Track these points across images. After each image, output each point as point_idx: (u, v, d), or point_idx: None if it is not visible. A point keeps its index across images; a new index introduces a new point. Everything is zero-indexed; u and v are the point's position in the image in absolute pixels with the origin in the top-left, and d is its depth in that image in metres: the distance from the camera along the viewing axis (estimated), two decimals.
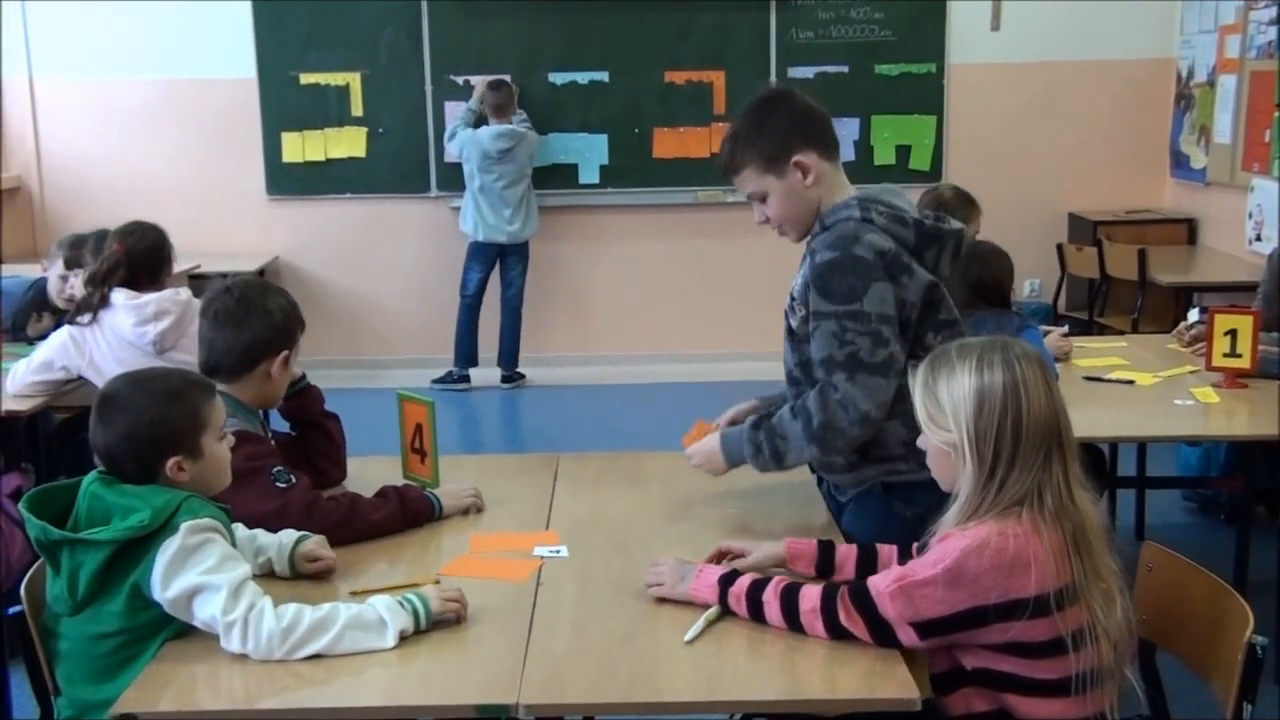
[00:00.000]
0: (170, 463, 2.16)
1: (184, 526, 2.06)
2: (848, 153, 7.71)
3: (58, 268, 4.74)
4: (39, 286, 4.92)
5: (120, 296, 4.03)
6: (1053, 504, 1.94)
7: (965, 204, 4.28)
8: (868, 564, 2.25)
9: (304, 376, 2.88)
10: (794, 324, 2.53)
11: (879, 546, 2.28)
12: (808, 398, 2.43)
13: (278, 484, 2.49)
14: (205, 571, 2.05)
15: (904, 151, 7.74)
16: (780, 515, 2.63)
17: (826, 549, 2.27)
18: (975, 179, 7.12)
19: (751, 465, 2.54)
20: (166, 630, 2.09)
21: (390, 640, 2.06)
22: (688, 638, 2.05)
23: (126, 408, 2.18)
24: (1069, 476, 1.96)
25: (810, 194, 2.49)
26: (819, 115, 2.54)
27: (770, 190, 2.50)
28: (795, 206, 2.51)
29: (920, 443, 2.10)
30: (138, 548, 2.06)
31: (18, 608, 2.23)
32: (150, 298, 4.05)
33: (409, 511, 2.61)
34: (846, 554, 2.27)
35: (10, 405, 4.03)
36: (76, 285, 4.38)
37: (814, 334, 2.40)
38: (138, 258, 4.10)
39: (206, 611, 2.04)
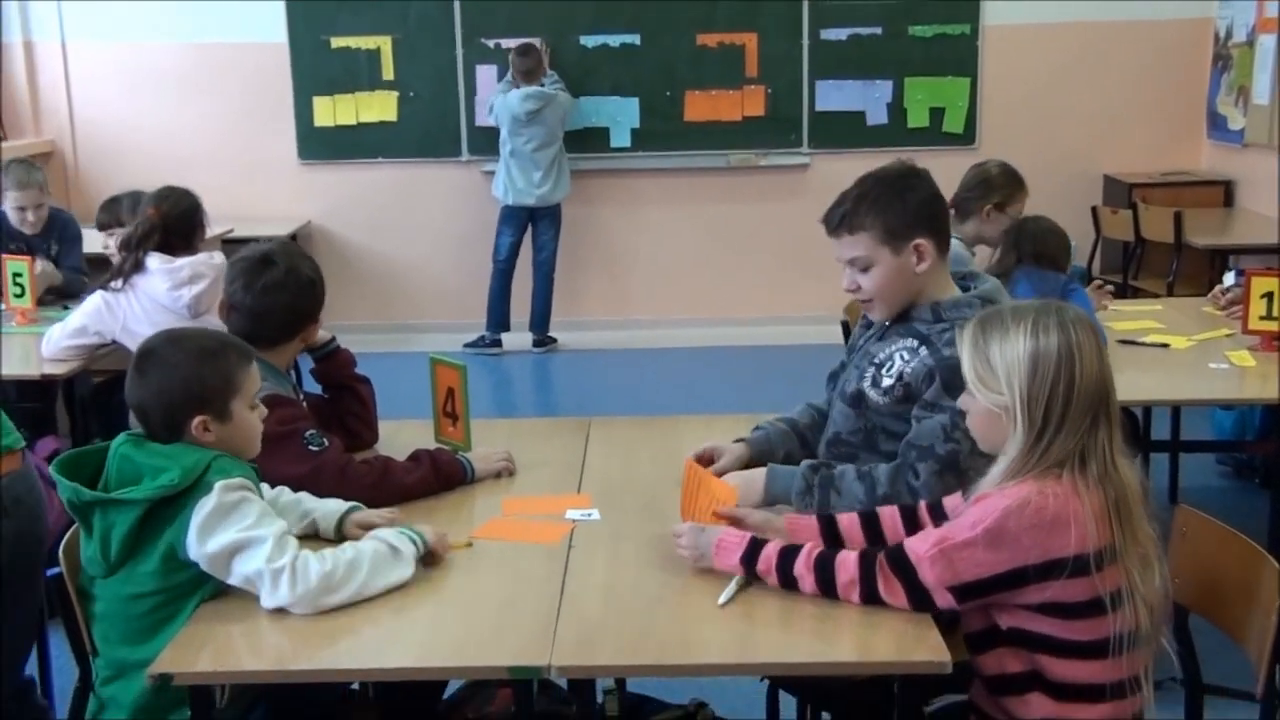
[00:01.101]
0: (196, 421, 2.17)
1: (218, 485, 2.08)
2: (880, 116, 7.66)
3: (10, 198, 4.91)
4: None
5: (155, 261, 4.06)
6: (1096, 470, 1.93)
7: (1011, 182, 4.26)
8: (873, 530, 2.24)
9: (333, 339, 2.90)
10: (873, 394, 2.46)
11: (879, 510, 2.27)
12: (877, 469, 2.38)
13: (310, 447, 2.51)
14: (245, 528, 2.07)
15: (937, 114, 7.67)
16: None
17: (829, 523, 2.26)
18: (1009, 142, 7.10)
19: (794, 501, 2.45)
20: (201, 591, 2.12)
21: (410, 568, 2.13)
22: (720, 601, 2.05)
23: (161, 362, 2.20)
24: (1113, 443, 1.95)
25: (915, 280, 2.44)
26: (944, 205, 2.53)
27: (879, 262, 2.42)
28: (898, 287, 2.45)
29: (962, 403, 2.09)
30: (169, 507, 2.08)
31: (55, 570, 2.26)
32: (184, 262, 4.08)
33: (441, 475, 2.63)
34: (850, 524, 2.25)
35: (47, 369, 4.08)
36: (111, 246, 4.42)
37: (919, 420, 2.35)
38: (172, 223, 4.12)
39: (250, 566, 2.06)
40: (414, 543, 2.18)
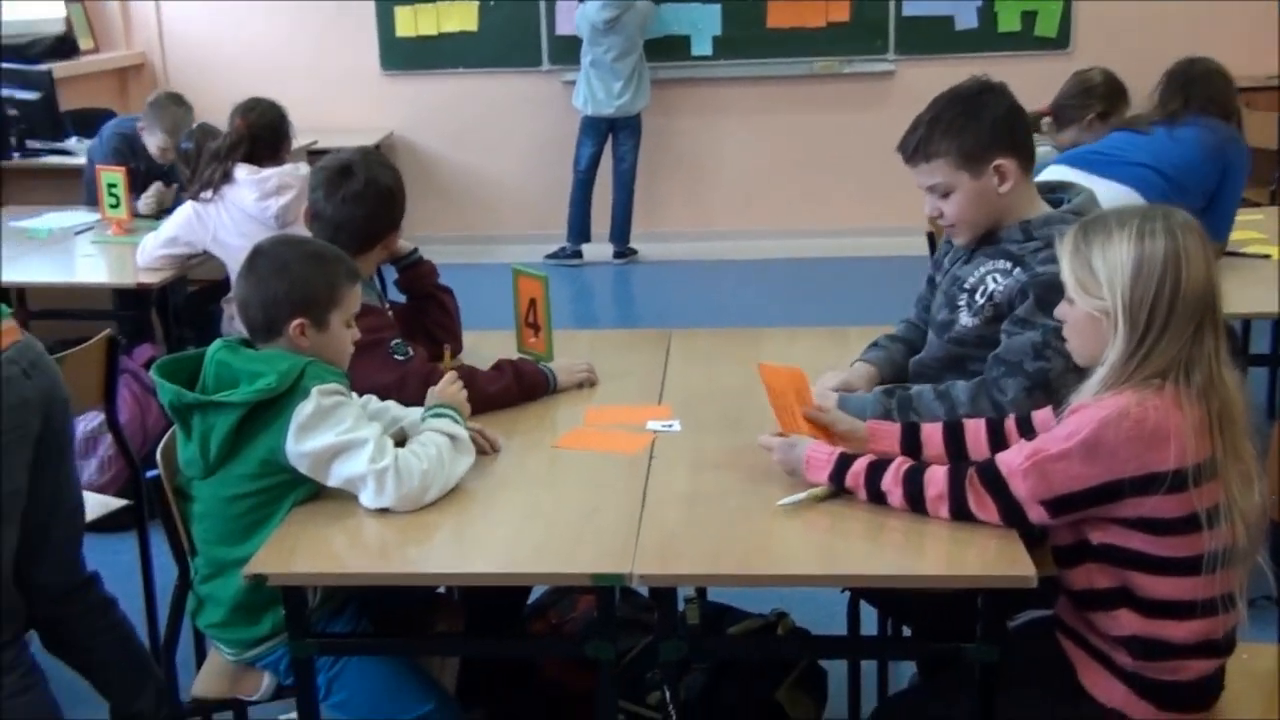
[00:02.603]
0: (295, 324, 2.20)
1: (315, 390, 2.11)
2: (969, 20, 7.45)
3: (157, 138, 4.92)
4: (122, 133, 5.12)
5: (243, 172, 4.11)
6: (1200, 380, 1.88)
7: (1115, 92, 4.13)
8: (956, 440, 2.21)
9: (416, 250, 2.91)
10: (964, 318, 2.41)
11: (966, 422, 2.23)
12: (956, 386, 2.34)
13: (396, 356, 2.53)
14: (344, 431, 2.11)
15: (1029, 17, 7.44)
16: None
17: (911, 430, 2.24)
18: (1104, 47, 6.86)
19: None
20: (295, 494, 2.16)
21: (472, 453, 2.25)
22: (780, 502, 2.06)
23: (272, 261, 2.24)
24: (1219, 354, 1.90)
25: (999, 201, 2.35)
26: (1025, 119, 2.41)
27: (959, 187, 2.35)
28: (980, 210, 2.37)
29: (1059, 313, 2.05)
30: (266, 411, 2.12)
31: (155, 471, 2.32)
32: (271, 172, 4.12)
33: (525, 385, 2.65)
34: (931, 432, 2.23)
35: (142, 278, 4.17)
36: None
37: (1009, 335, 2.30)
38: (259, 133, 4.17)
39: (352, 468, 2.10)
40: (456, 420, 2.26)
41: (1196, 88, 3.75)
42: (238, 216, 4.11)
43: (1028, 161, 2.38)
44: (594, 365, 2.77)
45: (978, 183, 2.34)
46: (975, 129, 2.32)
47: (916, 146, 2.37)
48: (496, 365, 2.67)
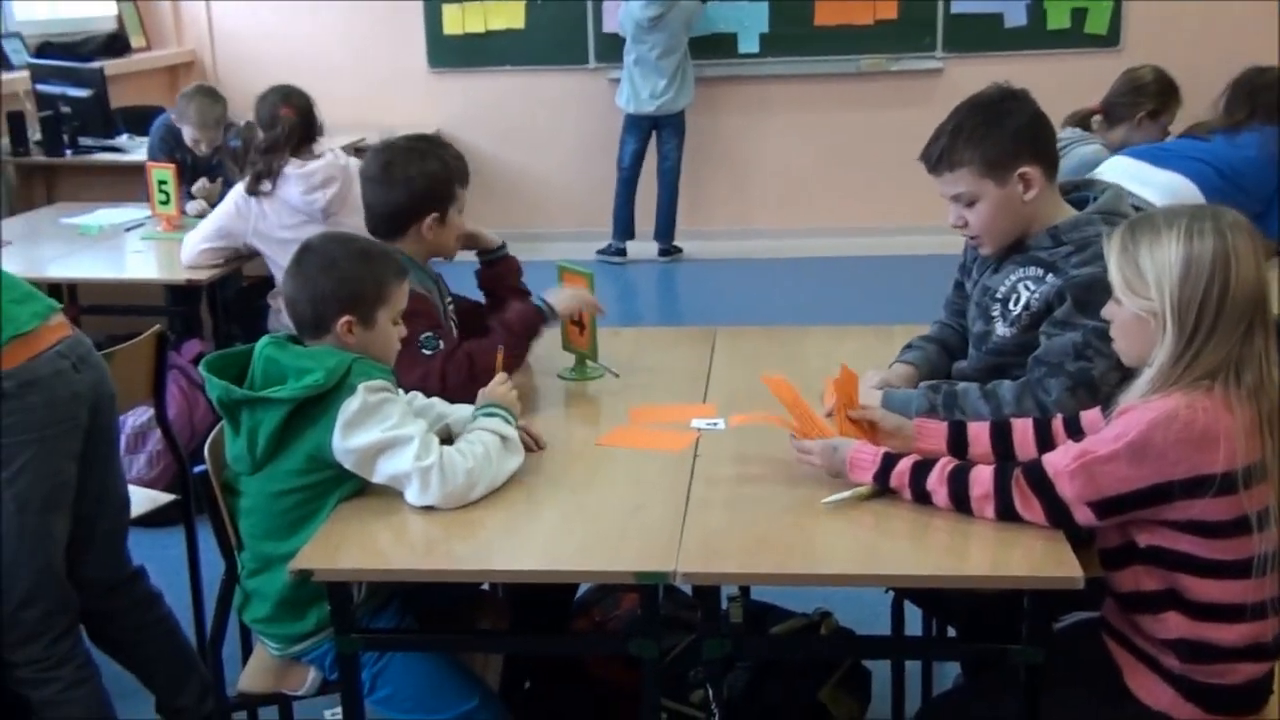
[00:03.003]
0: (343, 321, 2.22)
1: (361, 386, 2.13)
2: (1018, 17, 7.39)
3: (188, 130, 4.99)
4: (167, 126, 5.19)
5: (289, 166, 4.14)
6: (1251, 380, 1.86)
7: (1167, 90, 4.10)
8: (1003, 440, 2.19)
9: (503, 245, 2.92)
10: (1000, 329, 2.40)
11: (1013, 422, 2.21)
12: (1002, 385, 2.32)
13: (424, 350, 2.53)
14: (390, 428, 2.12)
15: (1079, 14, 7.37)
16: None
17: (958, 428, 2.22)
18: (1154, 44, 6.78)
19: None
20: (341, 490, 2.18)
21: (521, 454, 2.25)
22: (825, 500, 2.05)
23: (319, 257, 2.26)
24: (1269, 354, 1.88)
25: (1025, 209, 2.33)
26: (1049, 126, 2.39)
27: (984, 196, 2.33)
28: (1005, 219, 2.35)
29: (1106, 313, 2.03)
30: (314, 407, 2.14)
31: (202, 467, 2.35)
32: (317, 165, 4.16)
33: (520, 329, 2.66)
34: (979, 430, 2.21)
35: (190, 274, 4.22)
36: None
37: (1049, 337, 2.29)
38: (305, 118, 4.21)
39: (397, 465, 2.11)
40: (507, 420, 2.27)
41: (1263, 96, 3.69)
42: (282, 210, 4.15)
43: (1051, 168, 2.35)
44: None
45: (1003, 190, 2.32)
46: (999, 137, 2.30)
47: (940, 155, 2.35)
48: (486, 329, 2.67)
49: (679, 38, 7.16)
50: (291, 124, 4.16)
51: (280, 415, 2.14)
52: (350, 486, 2.18)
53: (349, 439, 2.11)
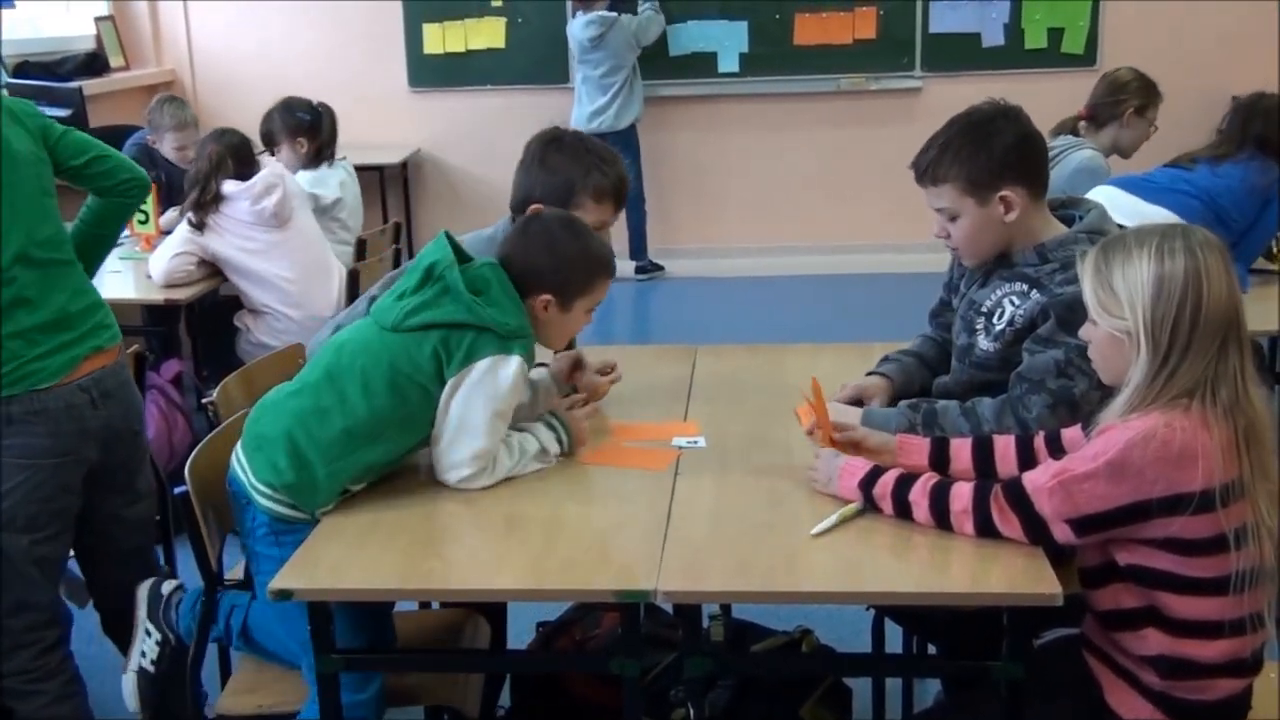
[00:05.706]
0: (543, 297, 2.28)
1: (519, 361, 2.21)
2: (996, 37, 7.45)
3: (170, 140, 5.15)
4: (139, 144, 5.25)
5: (229, 186, 4.27)
6: (1226, 398, 1.87)
7: (1146, 87, 4.16)
8: (984, 456, 2.20)
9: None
10: (983, 343, 2.41)
11: (995, 438, 2.22)
12: (981, 403, 2.34)
13: None
14: (491, 416, 2.19)
15: (1056, 35, 7.43)
16: None
17: (940, 444, 2.23)
18: (1131, 63, 6.76)
19: None
20: (381, 446, 2.22)
21: (552, 463, 2.34)
22: (814, 531, 2.05)
23: (544, 233, 2.33)
24: (1244, 371, 1.89)
25: (1004, 230, 2.36)
26: (1038, 147, 2.40)
27: (965, 214, 2.36)
28: (985, 237, 2.38)
29: (1083, 333, 2.04)
30: (475, 337, 2.18)
31: (182, 488, 2.34)
32: (255, 178, 4.30)
33: None
34: (960, 446, 2.22)
35: (169, 294, 4.24)
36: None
37: (1031, 354, 2.30)
38: (235, 151, 4.33)
39: (462, 447, 2.19)
40: (560, 440, 2.36)
41: (1253, 126, 3.72)
42: (235, 227, 4.27)
43: (1039, 189, 2.37)
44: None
45: (983, 210, 2.34)
46: (985, 157, 2.32)
47: (926, 169, 2.38)
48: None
49: (623, 56, 7.14)
50: (219, 155, 4.28)
51: (457, 315, 2.17)
52: (385, 450, 2.21)
53: (457, 389, 2.17)
